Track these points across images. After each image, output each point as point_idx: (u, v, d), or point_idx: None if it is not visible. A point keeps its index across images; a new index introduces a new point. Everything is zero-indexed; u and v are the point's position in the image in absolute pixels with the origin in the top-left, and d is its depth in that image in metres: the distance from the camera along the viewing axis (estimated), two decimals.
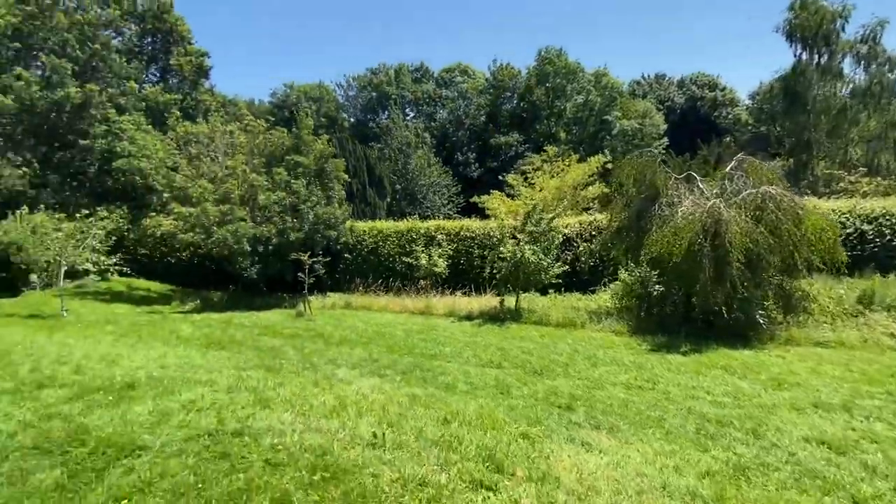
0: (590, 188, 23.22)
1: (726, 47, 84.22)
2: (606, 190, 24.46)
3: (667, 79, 66.16)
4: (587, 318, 12.74)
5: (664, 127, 56.50)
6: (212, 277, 23.82)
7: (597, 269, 17.77)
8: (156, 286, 22.24)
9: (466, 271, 19.20)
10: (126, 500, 2.11)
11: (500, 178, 44.56)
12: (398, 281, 18.84)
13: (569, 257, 17.32)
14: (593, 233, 18.42)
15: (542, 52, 52.21)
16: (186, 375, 4.47)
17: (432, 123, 53.06)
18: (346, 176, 20.91)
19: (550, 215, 14.21)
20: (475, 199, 23.35)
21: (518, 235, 13.86)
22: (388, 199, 32.49)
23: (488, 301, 15.94)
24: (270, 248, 16.84)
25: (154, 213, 20.45)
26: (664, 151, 26.92)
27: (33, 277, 19.14)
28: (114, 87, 24.43)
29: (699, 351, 9.62)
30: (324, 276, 17.67)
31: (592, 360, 8.27)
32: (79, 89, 21.20)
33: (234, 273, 19.05)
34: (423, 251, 18.70)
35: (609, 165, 25.86)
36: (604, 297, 15.42)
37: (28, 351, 5.33)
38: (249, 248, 16.23)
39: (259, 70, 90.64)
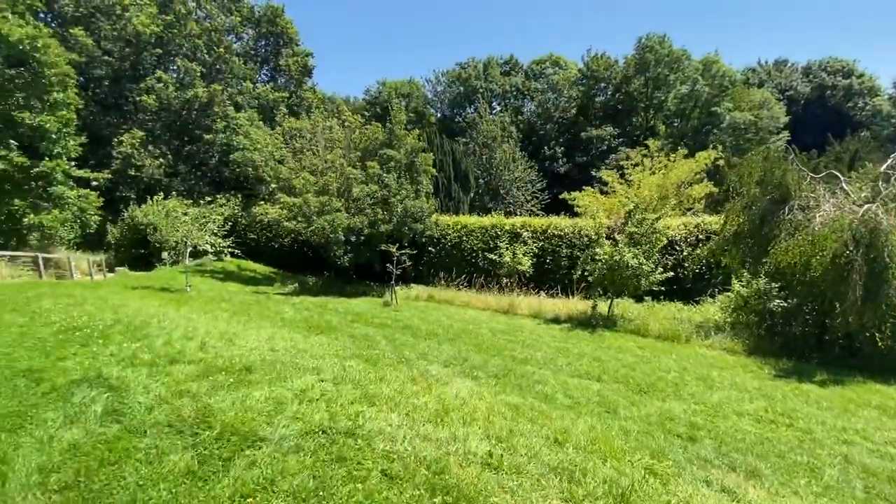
0: (695, 187, 21.00)
1: (868, 25, 71.50)
2: (715, 189, 22.03)
3: (789, 65, 58.15)
4: (693, 332, 11.47)
5: (785, 119, 49.68)
6: (308, 263, 25.60)
7: (701, 277, 16.06)
8: (261, 268, 24.42)
9: (552, 271, 18.43)
10: (251, 499, 2.07)
11: (593, 173, 42.36)
12: (480, 277, 18.64)
13: (669, 262, 15.79)
14: (699, 237, 16.65)
15: (643, 40, 48.42)
16: (295, 361, 4.59)
17: (519, 117, 51.94)
18: (434, 170, 21.13)
19: (655, 216, 12.98)
20: (565, 195, 22.23)
21: (616, 236, 12.85)
22: (472, 194, 32.37)
23: (576, 305, 15.11)
24: (362, 238, 17.57)
25: (262, 202, 22.38)
26: (785, 147, 23.50)
27: (164, 255, 21.95)
28: (233, 86, 27.10)
29: (840, 383, 8.14)
30: (408, 268, 18.00)
31: (706, 381, 7.31)
32: (205, 89, 23.83)
33: (328, 260, 20.19)
34: (507, 248, 18.28)
35: (720, 162, 23.24)
36: (711, 310, 13.85)
37: (161, 324, 5.87)
38: (343, 238, 17.06)
39: (354, 69, 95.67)
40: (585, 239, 18.14)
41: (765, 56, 68.13)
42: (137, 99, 22.65)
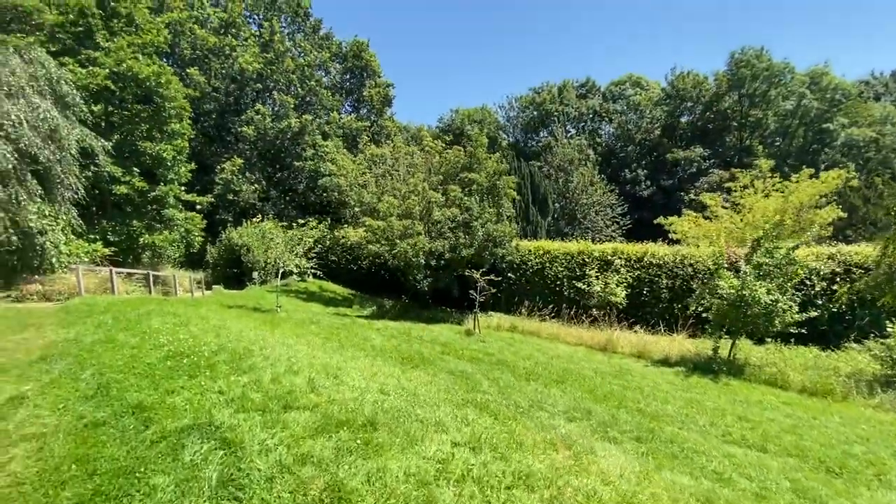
0: (821, 212, 18.20)
1: None
2: (843, 214, 18.96)
3: None
4: (851, 387, 9.33)
5: None
6: (385, 286, 25.71)
7: (840, 317, 13.50)
8: (340, 289, 24.90)
9: (649, 303, 16.60)
10: None
11: (682, 196, 39.12)
12: (566, 307, 17.27)
13: (798, 298, 13.50)
14: (836, 269, 14.12)
15: (737, 54, 44.91)
16: (412, 409, 3.89)
17: (597, 140, 50.02)
18: (515, 193, 20.35)
19: (791, 244, 11.05)
20: (660, 220, 20.33)
21: (744, 266, 11.07)
22: (549, 218, 31.08)
23: (683, 344, 13.26)
24: (442, 262, 17.09)
25: (346, 226, 22.94)
26: None
27: (255, 275, 23.18)
28: (321, 117, 28.66)
29: None
30: (490, 295, 17.15)
31: None
32: (297, 119, 25.36)
33: (406, 284, 19.95)
34: (597, 277, 16.84)
35: (853, 183, 20.08)
36: (860, 358, 11.41)
37: (263, 352, 5.52)
38: (423, 262, 16.69)
39: (427, 98, 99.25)
40: (690, 269, 16.21)
41: (879, 67, 60.22)
42: (238, 130, 24.58)
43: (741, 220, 19.13)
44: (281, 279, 24.90)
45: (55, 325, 7.59)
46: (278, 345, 6.48)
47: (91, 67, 13.53)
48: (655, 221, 21.25)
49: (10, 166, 9.21)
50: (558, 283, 18.44)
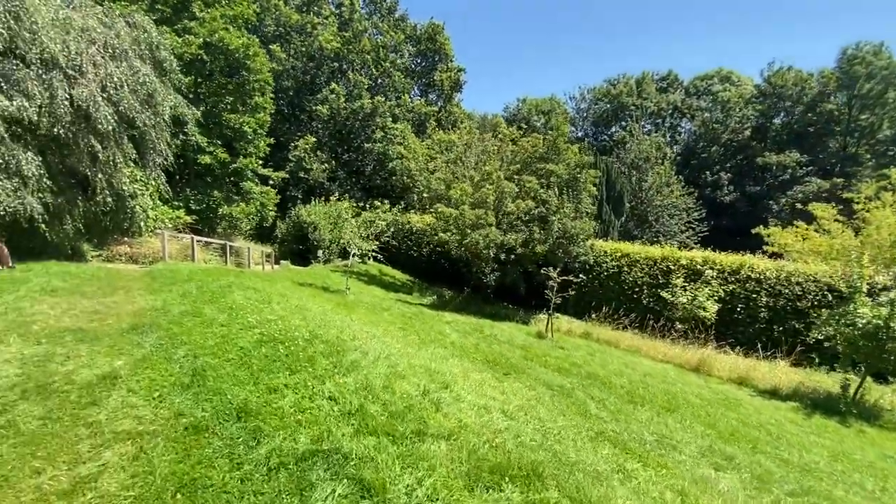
0: None
1: None
2: None
3: None
4: None
5: None
6: (443, 275, 25.13)
7: None
8: (398, 275, 24.62)
9: (742, 322, 14.81)
10: None
11: (768, 203, 35.55)
12: (644, 316, 15.82)
13: None
14: None
15: (850, 51, 39.79)
16: (563, 452, 3.11)
17: (675, 138, 46.51)
18: (595, 189, 18.91)
19: None
20: (760, 230, 18.17)
21: (893, 294, 9.27)
22: (623, 218, 29.11)
23: (786, 372, 11.57)
24: (512, 257, 16.15)
25: (409, 211, 22.52)
26: None
27: (319, 253, 23.39)
28: (392, 100, 28.33)
29: None
30: (571, 297, 15.97)
31: None
32: (370, 101, 25.14)
33: (469, 276, 19.25)
34: (683, 287, 15.22)
35: None
36: None
37: (355, 343, 4.99)
38: (493, 255, 15.83)
39: (491, 87, 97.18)
40: (798, 288, 14.23)
41: None
42: (313, 108, 24.73)
43: (860, 236, 16.59)
44: (344, 260, 25.12)
45: (143, 291, 7.52)
46: (367, 336, 5.93)
47: (186, 36, 13.78)
48: (754, 231, 19.03)
49: (111, 128, 9.33)
50: (636, 290, 16.96)
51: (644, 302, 16.47)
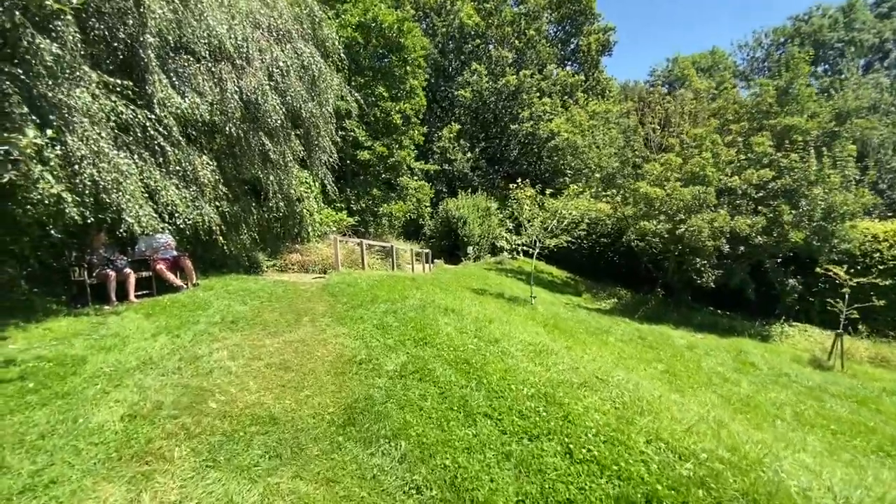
0: None
1: None
2: None
3: None
4: None
5: None
6: (608, 271, 21.41)
7: None
8: (556, 271, 21.56)
9: None
10: None
11: None
12: None
13: None
14: None
15: None
16: None
17: None
18: (854, 147, 13.31)
19: None
20: None
21: None
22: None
23: None
24: (742, 249, 11.89)
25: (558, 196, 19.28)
26: None
27: (470, 249, 21.54)
28: (536, 73, 25.11)
29: None
30: (878, 307, 11.05)
31: None
32: (514, 76, 22.35)
33: (658, 274, 15.38)
34: None
35: None
36: None
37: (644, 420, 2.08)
38: (713, 247, 11.78)
39: (632, 49, 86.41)
40: None
41: None
42: (455, 93, 22.88)
43: None
44: (493, 256, 22.93)
45: (329, 319, 5.85)
46: (669, 407, 3.11)
47: (343, 17, 12.68)
48: None
49: (279, 122, 8.14)
50: None
51: None
